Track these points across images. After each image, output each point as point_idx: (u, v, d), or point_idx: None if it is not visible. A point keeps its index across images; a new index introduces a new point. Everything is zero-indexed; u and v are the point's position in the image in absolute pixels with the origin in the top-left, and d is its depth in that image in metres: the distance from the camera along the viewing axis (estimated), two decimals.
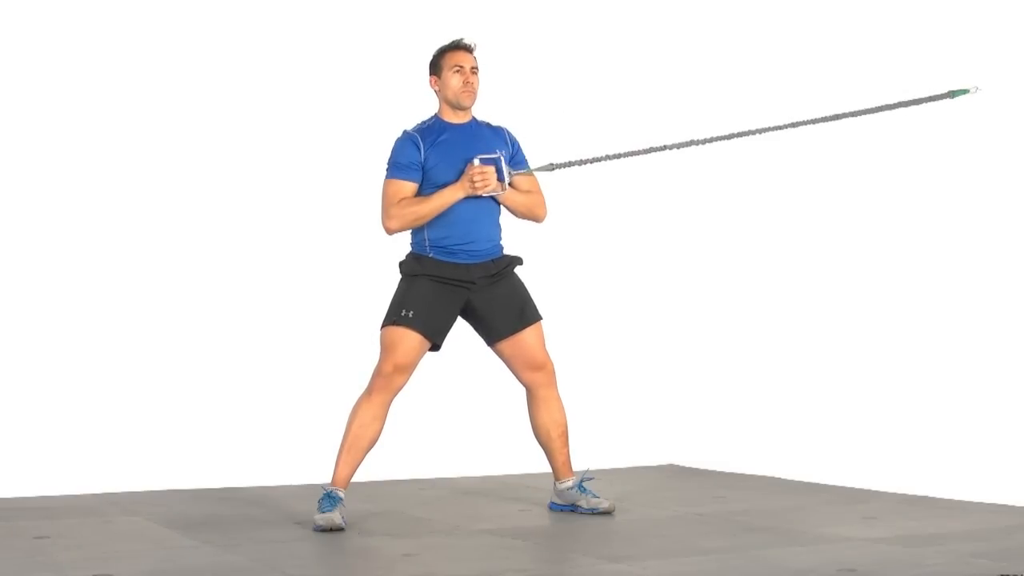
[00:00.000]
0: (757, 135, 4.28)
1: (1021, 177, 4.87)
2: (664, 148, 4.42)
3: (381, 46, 5.71)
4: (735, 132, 4.31)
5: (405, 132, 4.41)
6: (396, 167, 4.37)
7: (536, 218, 4.54)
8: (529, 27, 6.02)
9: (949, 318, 5.05)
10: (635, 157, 4.46)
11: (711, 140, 4.34)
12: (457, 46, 4.43)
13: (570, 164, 4.45)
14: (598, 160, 4.45)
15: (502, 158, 4.38)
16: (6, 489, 4.86)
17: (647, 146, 4.45)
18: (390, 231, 4.39)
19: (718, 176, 6.10)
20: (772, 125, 4.25)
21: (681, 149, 4.37)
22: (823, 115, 4.20)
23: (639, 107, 6.13)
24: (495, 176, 4.34)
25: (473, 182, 4.31)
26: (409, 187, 4.36)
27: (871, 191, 5.39)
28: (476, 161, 4.34)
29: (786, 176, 5.77)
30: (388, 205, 4.36)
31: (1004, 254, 4.89)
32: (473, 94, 4.42)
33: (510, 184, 4.40)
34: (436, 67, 4.44)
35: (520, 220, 4.55)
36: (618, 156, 4.44)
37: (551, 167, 4.44)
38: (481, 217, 4.41)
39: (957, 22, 5.00)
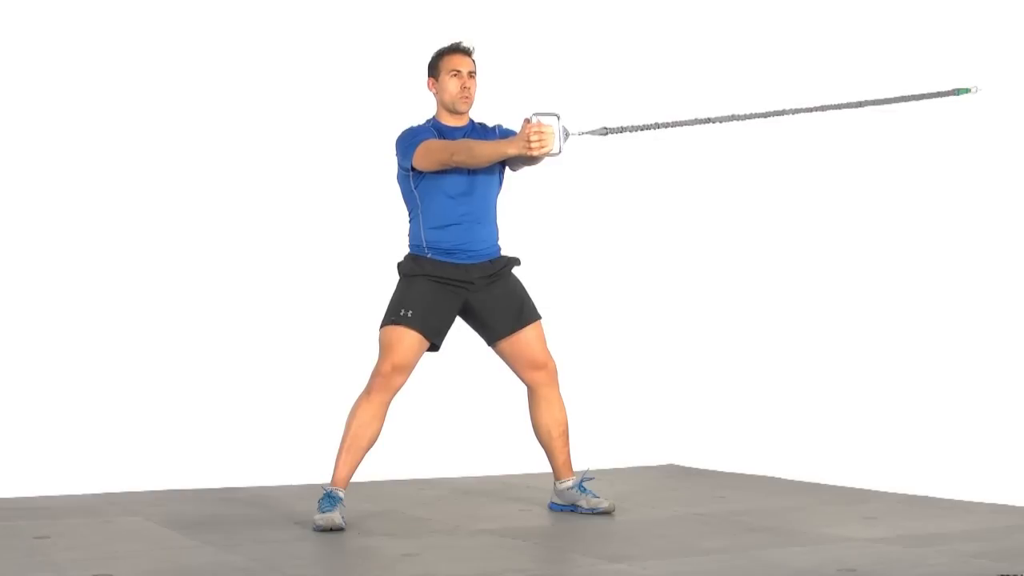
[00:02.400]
0: (781, 116, 4.20)
1: (1021, 177, 4.87)
2: (708, 121, 4.20)
3: (381, 46, 5.71)
4: (770, 111, 4.22)
5: (411, 125, 4.39)
6: (420, 135, 4.28)
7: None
8: (529, 27, 6.01)
9: (949, 318, 5.05)
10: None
11: (751, 116, 4.17)
12: (455, 49, 4.39)
13: (623, 130, 4.19)
14: (648, 128, 4.22)
15: (558, 117, 4.08)
16: (6, 489, 4.86)
17: (690, 118, 4.30)
18: (456, 164, 4.23)
19: (718, 176, 6.11)
20: (789, 108, 4.20)
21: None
22: (833, 103, 4.18)
23: (635, 108, 6.13)
24: (553, 137, 4.04)
25: (529, 141, 4.06)
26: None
27: (871, 191, 5.39)
28: (534, 118, 4.03)
29: (786, 176, 5.77)
30: (442, 147, 4.21)
31: (1004, 254, 4.89)
32: (470, 99, 4.39)
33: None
34: (434, 69, 4.42)
35: (517, 218, 4.53)
36: (667, 125, 4.25)
37: (604, 131, 4.20)
38: (479, 218, 4.40)
39: (957, 22, 5.00)
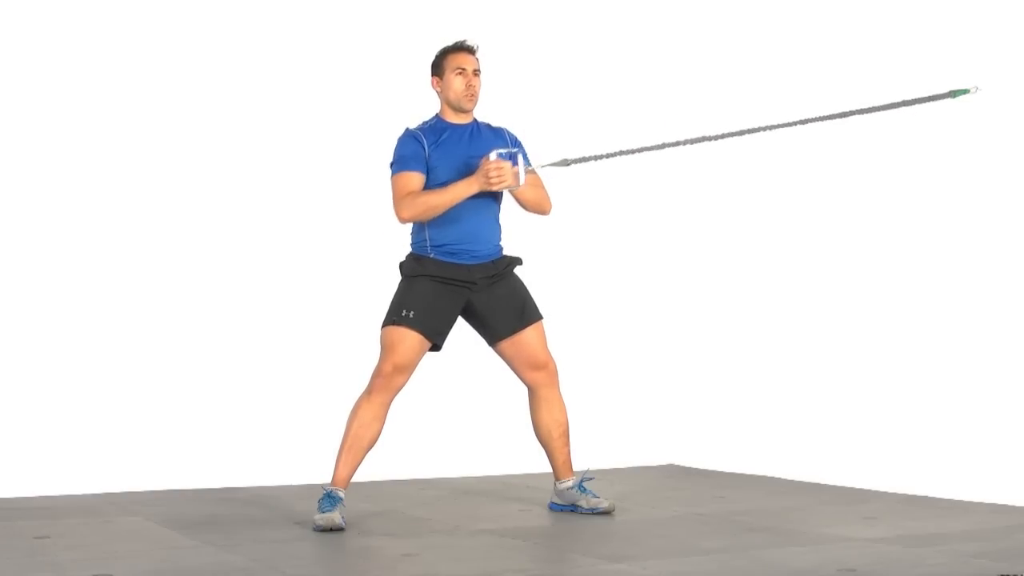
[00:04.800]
0: (765, 132, 4.23)
1: (1021, 177, 4.87)
2: (676, 144, 4.32)
3: (381, 46, 5.71)
4: (745, 128, 4.25)
5: (408, 130, 4.40)
6: (403, 161, 4.34)
7: (543, 212, 4.52)
8: (530, 27, 6.02)
9: (948, 318, 5.05)
10: (646, 153, 4.41)
11: (722, 136, 4.26)
12: (460, 47, 4.41)
13: (584, 159, 4.37)
14: (612, 156, 4.35)
15: (519, 153, 4.33)
16: (6, 489, 4.86)
17: (658, 142, 4.38)
18: (403, 220, 4.35)
19: (718, 176, 6.10)
20: (777, 123, 4.22)
21: (690, 146, 4.31)
22: (825, 114, 4.18)
23: (640, 107, 6.13)
24: (511, 171, 4.28)
25: (488, 177, 4.25)
26: (418, 179, 4.32)
27: (871, 191, 5.39)
28: (493, 155, 4.27)
29: (786, 176, 5.77)
30: (400, 196, 4.32)
31: (1004, 254, 4.89)
32: (474, 97, 4.41)
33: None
34: (438, 68, 4.43)
35: (519, 218, 4.54)
36: (631, 152, 4.36)
37: (565, 162, 4.37)
38: (481, 218, 4.40)
39: (957, 22, 5.00)
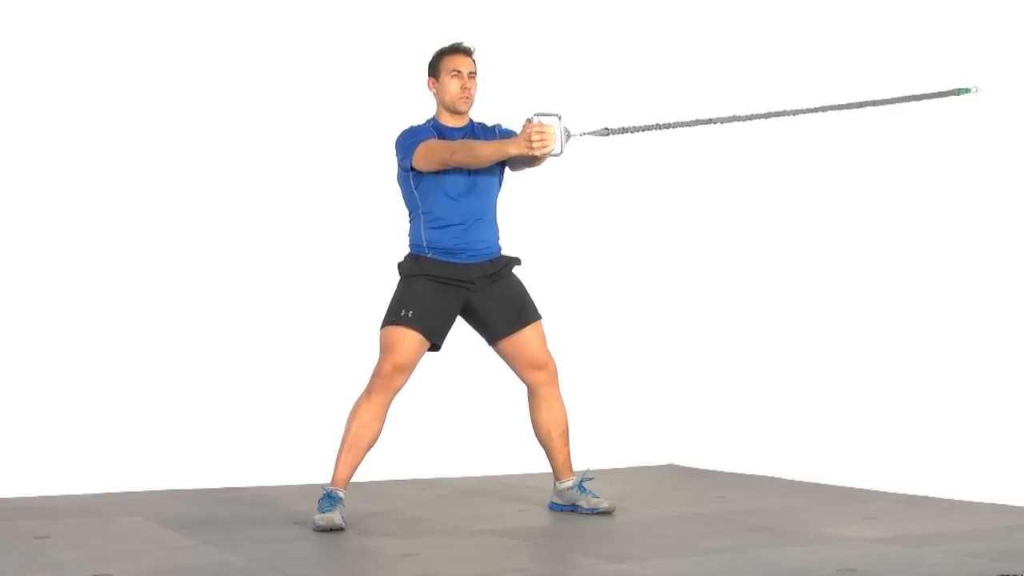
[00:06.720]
0: (780, 119, 4.19)
1: (1021, 177, 4.87)
2: (710, 121, 4.19)
3: (381, 46, 5.71)
4: (759, 113, 4.19)
5: (411, 126, 4.39)
6: (420, 134, 4.29)
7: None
8: (529, 27, 6.01)
9: (948, 318, 5.05)
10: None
11: (752, 117, 4.16)
12: (456, 49, 4.39)
13: (624, 130, 4.19)
14: (649, 128, 4.21)
15: (560, 118, 4.08)
16: (6, 489, 4.86)
17: (692, 119, 4.28)
18: (456, 164, 4.24)
19: (718, 175, 6.10)
20: (791, 109, 4.18)
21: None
22: (833, 105, 4.16)
23: (638, 109, 6.13)
24: (554, 137, 4.04)
25: (531, 141, 4.05)
26: (440, 141, 4.26)
27: (871, 191, 5.39)
28: (535, 118, 4.03)
29: (786, 175, 5.77)
30: (443, 146, 4.22)
31: (1004, 254, 4.89)
32: (470, 100, 4.38)
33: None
34: (434, 69, 4.41)
35: (518, 218, 4.53)
36: (668, 126, 4.23)
37: (605, 131, 4.18)
38: (480, 218, 4.39)
39: (957, 22, 5.00)
